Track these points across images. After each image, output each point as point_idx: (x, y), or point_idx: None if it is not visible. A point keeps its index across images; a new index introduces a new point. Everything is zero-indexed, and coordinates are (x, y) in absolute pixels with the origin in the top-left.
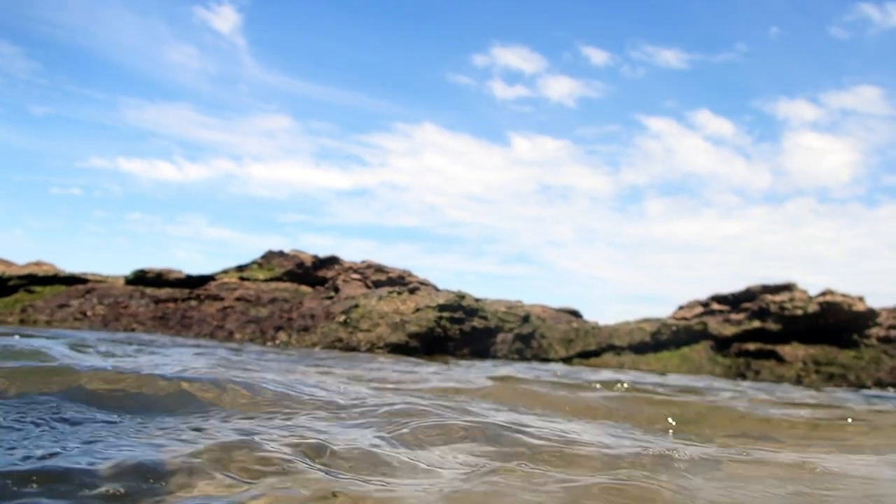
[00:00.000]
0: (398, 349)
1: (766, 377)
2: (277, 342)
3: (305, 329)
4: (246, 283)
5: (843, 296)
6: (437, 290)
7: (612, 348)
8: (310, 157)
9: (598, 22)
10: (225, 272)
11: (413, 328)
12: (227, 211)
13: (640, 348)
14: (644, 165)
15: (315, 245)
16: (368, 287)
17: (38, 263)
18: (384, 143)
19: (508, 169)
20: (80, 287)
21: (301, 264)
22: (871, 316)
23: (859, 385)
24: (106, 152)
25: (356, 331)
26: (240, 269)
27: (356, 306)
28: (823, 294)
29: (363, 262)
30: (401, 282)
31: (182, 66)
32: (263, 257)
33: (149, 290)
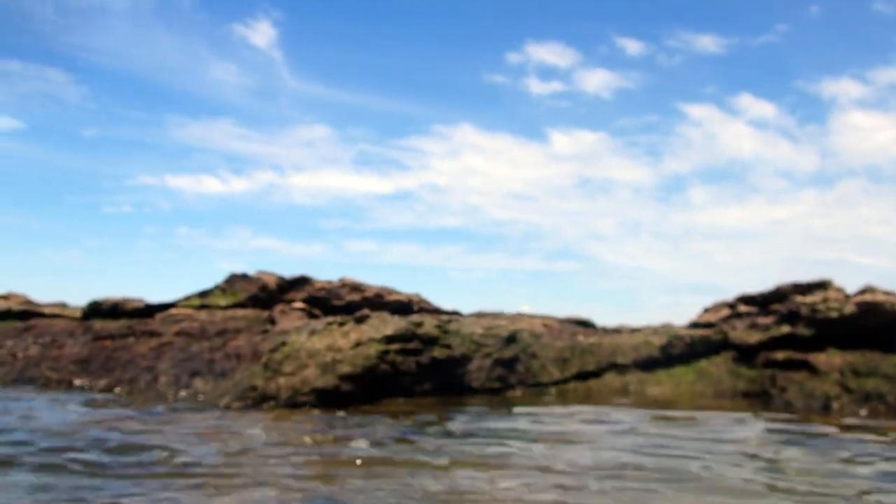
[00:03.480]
0: (327, 396)
1: (793, 395)
2: (189, 392)
3: (224, 374)
4: (201, 312)
5: (886, 293)
6: (421, 308)
7: (614, 367)
8: (350, 163)
9: (632, 11)
10: (187, 299)
11: (345, 368)
12: (271, 221)
13: (648, 364)
14: (686, 154)
15: (358, 251)
16: (314, 317)
17: (5, 296)
18: (423, 146)
19: (548, 165)
20: (20, 325)
21: (265, 287)
22: None
23: None
24: (154, 170)
25: (277, 375)
26: (202, 295)
27: (283, 344)
28: (862, 292)
29: (340, 280)
30: (378, 301)
31: (223, 83)
32: (227, 281)
33: (98, 325)
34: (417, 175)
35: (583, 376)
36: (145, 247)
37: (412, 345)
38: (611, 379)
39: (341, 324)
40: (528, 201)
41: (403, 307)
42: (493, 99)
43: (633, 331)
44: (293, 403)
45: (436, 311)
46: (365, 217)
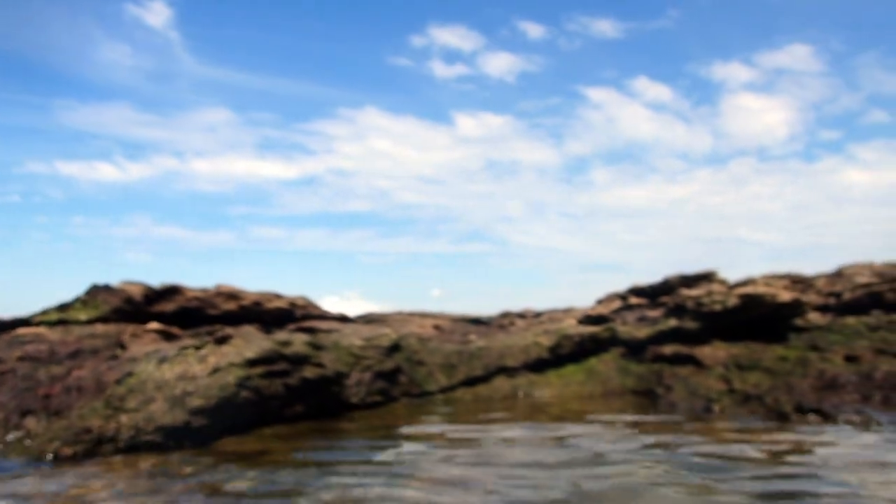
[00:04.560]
0: (177, 434)
1: (678, 396)
2: (19, 435)
3: (59, 412)
4: (54, 330)
5: (766, 284)
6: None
7: (503, 370)
8: (253, 148)
9: None
10: (44, 313)
11: (197, 401)
12: (174, 208)
13: (537, 366)
14: (587, 135)
15: (266, 237)
16: (172, 338)
17: None
18: (327, 129)
19: (454, 148)
20: None
21: (130, 299)
22: (796, 306)
23: (777, 412)
24: (43, 156)
25: (118, 412)
26: (61, 309)
27: (129, 374)
28: (744, 284)
29: (215, 287)
30: (257, 309)
31: (116, 65)
32: (88, 293)
33: None
34: (323, 159)
35: (470, 382)
36: (37, 238)
37: (279, 366)
38: (500, 383)
39: (198, 347)
40: (437, 184)
41: (284, 314)
42: (398, 82)
43: (537, 315)
44: (135, 445)
45: (321, 317)
46: (271, 203)
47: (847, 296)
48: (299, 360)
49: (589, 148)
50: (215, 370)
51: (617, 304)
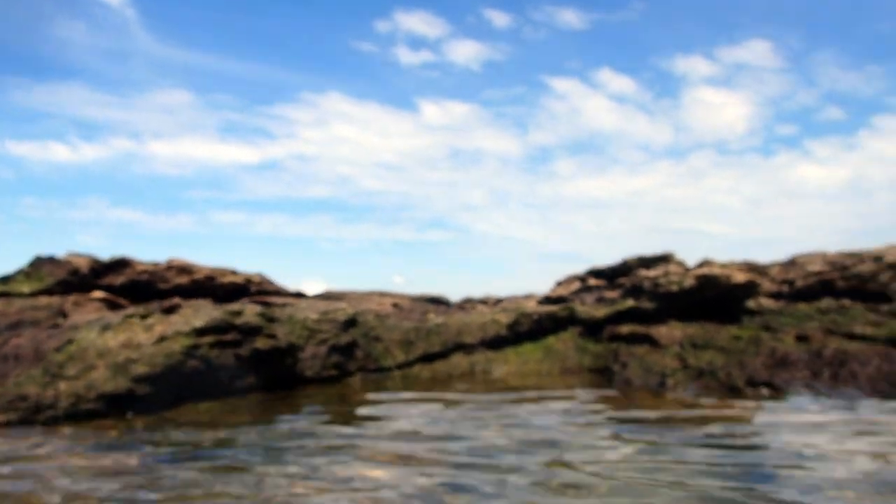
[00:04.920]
0: (120, 403)
1: (633, 372)
2: None
3: None
4: None
5: (722, 267)
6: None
7: (461, 347)
8: (214, 131)
9: None
10: None
11: (141, 369)
12: (131, 191)
13: (495, 343)
14: (551, 126)
15: (226, 222)
16: (118, 307)
17: None
18: (290, 114)
19: (418, 135)
20: None
21: (76, 271)
22: (751, 287)
23: (730, 386)
24: None
25: (57, 379)
26: (2, 281)
27: (70, 342)
28: (701, 265)
29: (167, 261)
30: (210, 284)
31: (71, 43)
32: (31, 265)
33: None
34: (285, 144)
35: (428, 358)
36: None
37: (229, 336)
38: (458, 360)
39: (144, 316)
40: (399, 171)
41: (239, 290)
42: (362, 67)
43: (498, 301)
44: (75, 414)
45: (277, 293)
46: (232, 187)
47: (800, 283)
48: (251, 331)
49: (552, 138)
50: (161, 339)
51: (576, 285)
